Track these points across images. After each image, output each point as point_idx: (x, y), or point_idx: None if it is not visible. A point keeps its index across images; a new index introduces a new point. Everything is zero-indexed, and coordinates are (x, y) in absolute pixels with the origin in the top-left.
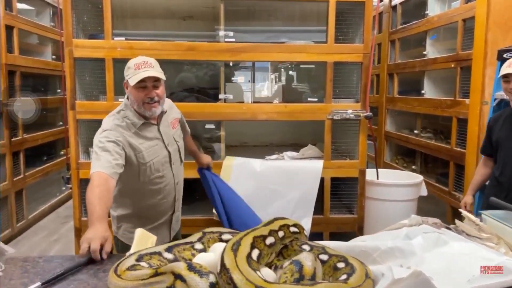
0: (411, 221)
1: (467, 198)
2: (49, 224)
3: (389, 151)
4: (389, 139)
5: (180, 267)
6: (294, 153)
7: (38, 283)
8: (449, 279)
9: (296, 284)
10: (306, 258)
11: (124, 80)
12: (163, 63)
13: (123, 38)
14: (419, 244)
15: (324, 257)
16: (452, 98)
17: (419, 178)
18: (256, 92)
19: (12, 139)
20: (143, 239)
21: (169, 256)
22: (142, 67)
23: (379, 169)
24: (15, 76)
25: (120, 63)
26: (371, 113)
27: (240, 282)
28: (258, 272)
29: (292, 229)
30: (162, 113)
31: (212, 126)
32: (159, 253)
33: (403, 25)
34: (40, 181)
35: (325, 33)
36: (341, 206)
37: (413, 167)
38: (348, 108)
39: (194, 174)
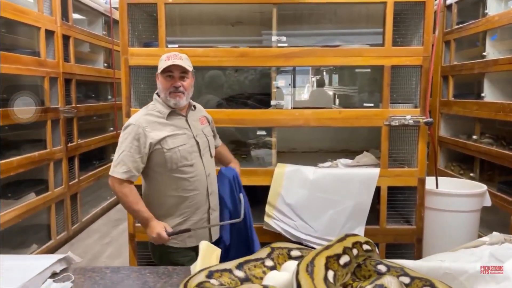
0: (492, 239)
1: None
2: (101, 227)
3: (443, 157)
4: (444, 145)
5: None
6: (348, 161)
7: None
8: None
9: None
10: (391, 283)
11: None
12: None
13: (177, 46)
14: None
15: (405, 279)
16: None
17: (483, 187)
18: (296, 96)
19: (68, 145)
20: (208, 252)
21: (239, 274)
22: (172, 58)
23: (444, 178)
24: (71, 84)
25: None
26: (431, 119)
27: None
28: None
29: (365, 246)
30: (190, 106)
31: (264, 133)
32: (230, 271)
33: (459, 25)
34: (93, 185)
35: (381, 35)
36: (398, 216)
37: (471, 174)
38: (407, 114)
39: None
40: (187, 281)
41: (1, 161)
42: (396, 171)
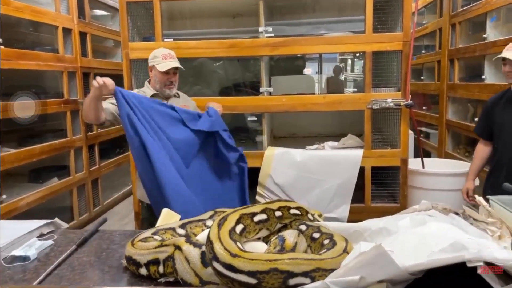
0: (421, 207)
1: (469, 184)
2: (121, 210)
3: (451, 140)
4: (451, 128)
5: (181, 240)
6: (334, 143)
7: (74, 246)
8: (412, 254)
9: (268, 253)
10: (289, 234)
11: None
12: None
13: (172, 39)
14: (403, 225)
15: (316, 235)
16: None
17: (467, 166)
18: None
19: (88, 134)
20: (167, 217)
21: (181, 231)
22: (168, 58)
23: (440, 159)
24: (89, 77)
25: None
26: (411, 102)
27: (219, 250)
28: (238, 243)
29: (293, 211)
30: (174, 95)
31: (254, 119)
32: (173, 229)
33: (463, 8)
34: (114, 171)
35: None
36: (385, 195)
37: None
38: (388, 97)
39: None
40: (135, 237)
41: (25, 148)
42: (380, 151)
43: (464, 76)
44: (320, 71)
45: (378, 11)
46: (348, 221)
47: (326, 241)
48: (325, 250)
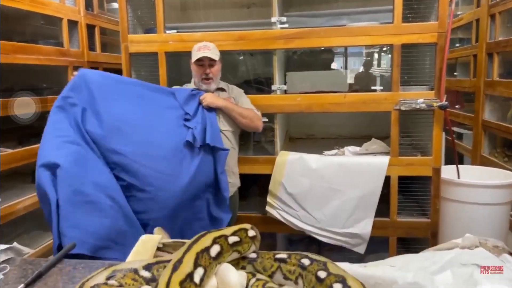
0: (464, 242)
1: None
2: None
3: (488, 143)
4: (488, 129)
5: None
6: (356, 148)
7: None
8: None
9: None
10: None
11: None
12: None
13: (175, 31)
14: (444, 282)
15: (322, 274)
16: None
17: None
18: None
19: None
20: (146, 243)
21: (146, 274)
22: (202, 49)
23: (476, 167)
24: None
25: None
26: (446, 102)
27: None
28: None
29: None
30: (219, 89)
31: (265, 120)
32: (135, 271)
33: None
34: None
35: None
36: (413, 208)
37: None
38: (419, 97)
39: (250, 169)
40: (85, 282)
41: (24, 148)
42: (408, 159)
43: (504, 72)
44: (346, 66)
45: None
46: (371, 238)
47: (337, 286)
48: None
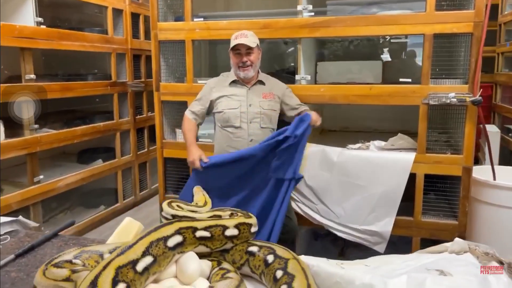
0: (453, 246)
1: None
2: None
3: None
4: None
5: (84, 277)
6: (381, 143)
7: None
8: None
9: None
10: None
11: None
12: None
13: (202, 19)
14: (394, 285)
15: (270, 258)
16: None
17: None
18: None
19: (137, 117)
20: (127, 229)
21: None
22: (239, 37)
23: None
24: (140, 59)
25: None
26: (480, 97)
27: None
28: None
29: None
30: (258, 81)
31: None
32: (101, 254)
33: None
34: None
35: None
36: (441, 209)
37: None
38: (450, 91)
39: None
40: (55, 257)
41: (65, 130)
42: (436, 157)
43: None
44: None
45: None
46: (392, 237)
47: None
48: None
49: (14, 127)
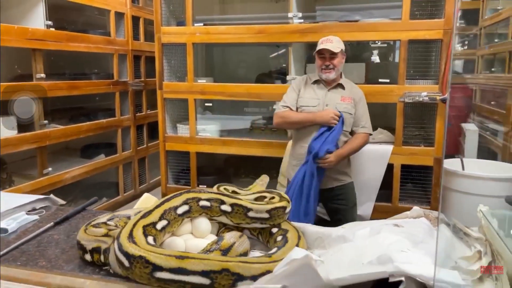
0: (412, 213)
1: None
2: None
3: None
4: None
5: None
6: None
7: (52, 223)
8: (345, 266)
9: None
10: (230, 235)
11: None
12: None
13: (202, 24)
14: (360, 234)
15: (274, 229)
16: None
17: None
18: None
19: (137, 114)
20: (146, 201)
21: None
22: (324, 42)
23: (491, 161)
24: (140, 60)
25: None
26: (447, 96)
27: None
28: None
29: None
30: (339, 84)
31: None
32: (128, 217)
33: None
34: None
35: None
36: (415, 196)
37: None
38: (423, 90)
39: (264, 152)
40: (92, 221)
41: (71, 125)
42: (411, 149)
43: None
44: (394, 58)
45: None
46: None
47: (279, 238)
48: (275, 249)
49: (24, 122)
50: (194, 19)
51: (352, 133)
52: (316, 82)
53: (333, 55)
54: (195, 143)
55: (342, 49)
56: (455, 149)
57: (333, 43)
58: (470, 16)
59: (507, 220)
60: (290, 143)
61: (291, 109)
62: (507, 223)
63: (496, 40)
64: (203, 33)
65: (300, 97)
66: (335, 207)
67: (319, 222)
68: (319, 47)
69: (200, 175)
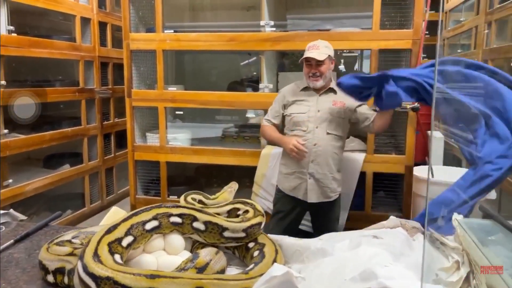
0: (389, 223)
1: None
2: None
3: None
4: None
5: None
6: None
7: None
8: (327, 282)
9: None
10: (206, 252)
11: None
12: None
13: (172, 31)
14: (339, 247)
15: (250, 244)
16: None
17: None
18: None
19: (104, 123)
20: (114, 215)
21: None
22: (310, 49)
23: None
24: (108, 67)
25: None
26: (418, 105)
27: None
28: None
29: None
30: (329, 89)
31: (253, 116)
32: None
33: (501, 4)
34: None
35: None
36: (387, 203)
37: None
38: None
39: (237, 161)
40: (55, 238)
41: (34, 135)
42: (383, 157)
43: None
44: (361, 68)
45: (387, 7)
46: (345, 229)
47: (255, 253)
48: (252, 265)
49: None
50: (164, 26)
51: (360, 131)
52: (305, 88)
53: (319, 62)
54: (165, 152)
55: (330, 55)
56: (423, 157)
57: (320, 49)
58: (434, 27)
59: (482, 229)
60: (264, 151)
61: (273, 122)
62: (483, 232)
63: (459, 51)
64: (173, 40)
65: (289, 105)
66: (321, 221)
67: (299, 234)
68: (305, 54)
69: (171, 185)
